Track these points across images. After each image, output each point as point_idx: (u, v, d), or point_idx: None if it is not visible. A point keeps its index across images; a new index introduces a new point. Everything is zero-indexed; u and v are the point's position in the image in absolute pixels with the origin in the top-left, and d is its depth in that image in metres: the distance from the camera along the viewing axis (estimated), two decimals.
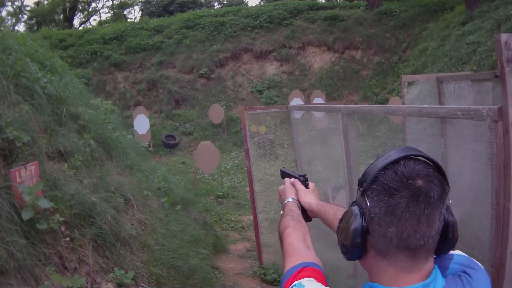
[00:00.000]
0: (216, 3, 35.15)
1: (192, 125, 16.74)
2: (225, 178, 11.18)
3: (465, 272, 1.03)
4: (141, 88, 17.89)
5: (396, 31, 18.70)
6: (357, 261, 1.10)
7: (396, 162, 0.99)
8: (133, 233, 4.03)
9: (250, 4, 35.37)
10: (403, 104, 6.00)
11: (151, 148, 12.62)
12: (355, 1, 21.40)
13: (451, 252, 1.07)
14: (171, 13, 26.49)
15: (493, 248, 2.28)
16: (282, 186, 1.75)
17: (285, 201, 1.65)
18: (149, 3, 32.69)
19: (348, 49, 18.87)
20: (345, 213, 1.09)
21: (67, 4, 31.55)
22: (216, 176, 11.24)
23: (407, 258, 0.97)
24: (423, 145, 4.45)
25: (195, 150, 10.63)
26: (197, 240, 5.33)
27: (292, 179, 1.73)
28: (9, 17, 30.07)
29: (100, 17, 37.34)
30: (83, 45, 18.79)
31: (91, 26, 30.55)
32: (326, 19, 19.70)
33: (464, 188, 4.01)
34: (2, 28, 5.28)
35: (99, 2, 36.50)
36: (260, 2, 33.09)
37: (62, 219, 3.11)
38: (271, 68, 18.90)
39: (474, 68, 11.29)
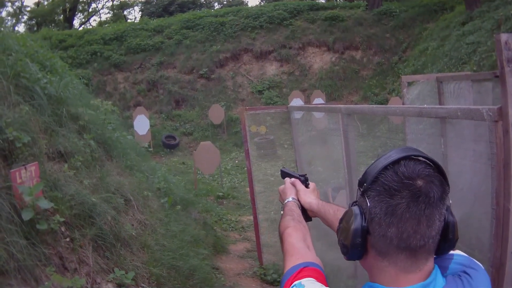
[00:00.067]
0: (216, 4, 35.18)
1: (192, 125, 16.75)
2: (225, 179, 11.18)
3: (465, 272, 1.03)
4: (141, 88, 17.89)
5: (396, 31, 18.70)
6: (357, 261, 1.10)
7: (396, 162, 0.99)
8: (133, 233, 4.03)
9: (250, 5, 35.43)
10: (403, 104, 6.00)
11: (151, 149, 12.63)
12: (355, 2, 21.40)
13: (451, 252, 1.07)
14: (171, 14, 26.50)
15: (493, 248, 2.28)
16: (282, 186, 1.75)
17: (285, 201, 1.65)
18: (149, 4, 32.70)
19: (348, 49, 18.87)
20: (345, 213, 1.09)
21: (67, 5, 31.55)
22: (216, 176, 11.24)
23: (407, 258, 0.97)
24: (423, 145, 4.45)
25: (195, 150, 10.64)
26: (197, 240, 5.32)
27: (293, 179, 1.73)
28: (9, 18, 30.11)
29: (100, 17, 37.38)
30: (83, 45, 18.79)
31: (91, 27, 30.56)
32: (326, 19, 19.70)
33: (464, 188, 4.01)
34: (2, 29, 5.28)
35: (99, 3, 36.55)
36: (260, 3, 33.10)
37: (62, 219, 3.11)
38: (271, 69, 18.90)
39: (474, 68, 11.29)
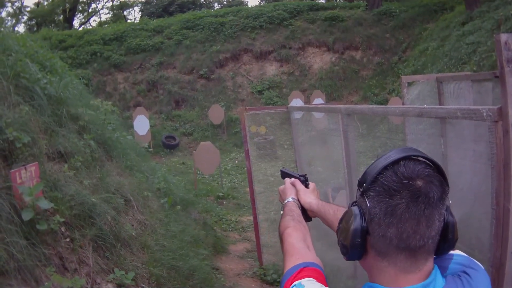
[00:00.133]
0: (216, 4, 35.20)
1: (192, 125, 16.75)
2: (225, 179, 11.18)
3: (465, 272, 1.03)
4: (141, 88, 17.89)
5: (396, 31, 18.71)
6: (357, 262, 1.10)
7: (396, 162, 0.99)
8: (133, 233, 4.03)
9: (250, 5, 35.43)
10: (403, 104, 6.00)
11: (151, 149, 12.63)
12: (355, 2, 21.41)
13: (451, 252, 1.07)
14: (171, 14, 26.51)
15: (493, 248, 2.28)
16: (282, 186, 1.75)
17: (285, 201, 1.65)
18: (149, 4, 32.71)
19: (348, 49, 18.87)
20: (345, 214, 1.09)
21: (67, 5, 31.56)
22: (216, 176, 11.24)
23: (406, 258, 0.97)
24: (423, 146, 4.45)
25: (195, 150, 10.64)
26: (197, 240, 5.32)
27: (292, 179, 1.73)
28: (9, 18, 30.11)
29: (100, 18, 37.38)
30: (83, 46, 18.79)
31: (91, 27, 30.57)
32: (326, 19, 19.70)
33: (464, 188, 4.01)
34: (2, 29, 5.28)
35: (99, 3, 36.56)
36: (260, 3, 33.12)
37: (62, 219, 3.11)
38: (271, 69, 18.90)
39: (474, 68, 11.30)
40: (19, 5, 31.33)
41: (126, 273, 3.43)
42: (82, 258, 3.21)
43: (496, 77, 3.65)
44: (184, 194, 6.74)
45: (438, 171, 0.99)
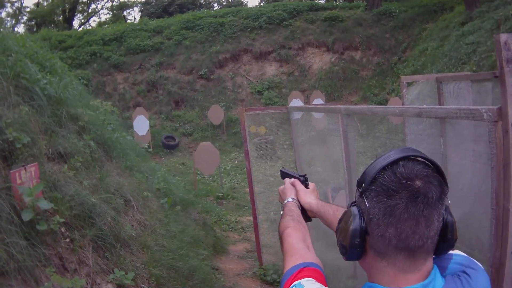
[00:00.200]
0: (215, 4, 35.21)
1: (191, 126, 16.75)
2: (224, 179, 11.18)
3: (464, 272, 1.03)
4: (141, 89, 17.89)
5: (395, 31, 18.72)
6: (357, 262, 1.10)
7: (395, 163, 0.99)
8: (133, 234, 4.03)
9: (249, 5, 35.44)
10: (402, 104, 6.00)
11: (151, 149, 12.61)
12: (354, 2, 21.41)
13: (451, 252, 1.07)
14: (170, 14, 26.52)
15: (493, 248, 2.28)
16: (282, 186, 1.75)
17: (285, 201, 1.65)
18: (148, 4, 32.73)
19: (347, 49, 18.88)
20: (344, 214, 1.09)
21: (67, 5, 31.56)
22: (215, 177, 11.24)
23: (406, 258, 0.97)
24: (423, 146, 4.46)
25: (194, 151, 10.63)
26: (197, 241, 5.33)
27: (292, 179, 1.73)
28: (8, 18, 30.09)
29: (99, 18, 37.41)
30: (82, 46, 18.79)
31: (90, 27, 30.60)
32: (325, 19, 19.71)
33: (464, 188, 4.01)
34: (1, 30, 5.28)
35: (98, 3, 36.55)
36: (259, 3, 33.13)
37: (62, 220, 3.11)
38: (271, 69, 18.91)
39: (474, 69, 11.30)
40: (19, 6, 31.36)
41: (126, 274, 3.43)
42: (82, 258, 3.21)
43: (496, 77, 3.65)
44: (184, 194, 6.74)
45: (437, 171, 0.99)
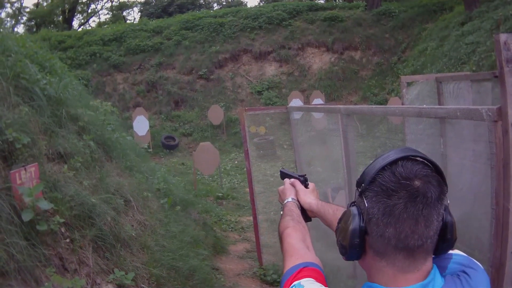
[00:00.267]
0: (215, 4, 35.22)
1: (191, 126, 16.74)
2: (224, 179, 11.18)
3: (464, 272, 1.03)
4: (141, 89, 17.89)
5: (395, 31, 18.72)
6: (357, 262, 1.10)
7: (394, 163, 0.99)
8: (133, 234, 4.03)
9: (249, 5, 35.46)
10: (402, 104, 6.00)
11: (151, 149, 12.61)
12: (354, 2, 21.41)
13: (450, 251, 1.07)
14: (170, 14, 26.52)
15: (493, 248, 2.28)
16: (281, 187, 1.75)
17: (285, 202, 1.65)
18: (148, 5, 32.74)
19: (347, 49, 18.88)
20: (344, 214, 1.10)
21: (66, 6, 31.56)
22: (215, 177, 11.24)
23: (405, 258, 0.97)
24: (423, 146, 4.46)
25: (194, 151, 10.63)
26: (197, 241, 5.33)
27: (292, 180, 1.73)
28: (8, 19, 30.11)
29: (99, 18, 37.41)
30: (82, 46, 18.80)
31: (90, 28, 30.59)
32: (325, 20, 19.71)
33: (464, 188, 4.01)
34: (1, 30, 5.28)
35: (98, 4, 36.56)
36: (259, 3, 33.13)
37: (62, 220, 3.11)
38: (271, 69, 18.91)
39: (473, 68, 11.30)
40: (19, 6, 31.36)
41: (126, 274, 3.43)
42: (82, 258, 3.21)
43: (496, 77, 3.65)
44: (184, 194, 6.74)
45: (436, 171, 0.99)
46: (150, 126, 14.62)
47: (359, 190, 1.04)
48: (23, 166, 2.97)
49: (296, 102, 14.19)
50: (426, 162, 1.00)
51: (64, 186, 3.44)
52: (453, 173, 3.99)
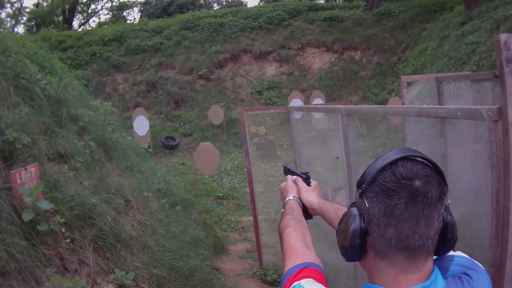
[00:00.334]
0: (215, 4, 35.22)
1: (191, 126, 16.74)
2: (225, 179, 11.18)
3: (465, 273, 1.02)
4: (141, 89, 17.89)
5: (395, 31, 18.72)
6: (357, 262, 1.10)
7: (394, 163, 0.99)
8: (134, 234, 4.03)
9: (249, 5, 35.45)
10: (402, 104, 6.00)
11: (151, 150, 12.62)
12: (354, 2, 21.41)
13: (452, 253, 1.07)
14: (170, 14, 26.52)
15: (493, 248, 2.28)
16: (284, 183, 1.74)
17: (286, 199, 1.64)
18: (148, 5, 32.74)
19: (347, 49, 18.88)
20: (344, 215, 1.09)
21: (66, 6, 31.56)
22: (216, 177, 11.24)
23: (406, 258, 0.97)
24: (423, 146, 4.46)
25: (195, 151, 10.64)
26: (197, 241, 5.33)
27: (294, 177, 1.72)
28: (8, 19, 30.11)
29: (99, 18, 37.41)
30: (82, 46, 18.80)
31: (90, 28, 30.60)
32: (325, 19, 19.71)
33: (464, 188, 4.01)
34: (1, 30, 5.28)
35: (98, 4, 36.56)
36: (259, 3, 33.13)
37: (62, 220, 3.11)
38: (271, 69, 18.90)
39: (474, 68, 11.30)
40: (19, 6, 31.37)
41: (127, 274, 3.43)
42: (82, 258, 3.21)
43: (496, 76, 3.65)
44: (184, 194, 6.75)
45: (436, 171, 0.99)
46: (150, 126, 14.62)
47: (360, 190, 1.03)
48: (24, 166, 2.97)
49: (296, 102, 14.18)
50: (426, 162, 1.00)
51: (65, 186, 3.44)
52: (454, 173, 3.99)
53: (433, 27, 17.03)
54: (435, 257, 1.03)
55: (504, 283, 2.21)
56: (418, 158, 1.00)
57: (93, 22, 37.37)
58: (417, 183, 0.95)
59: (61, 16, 32.48)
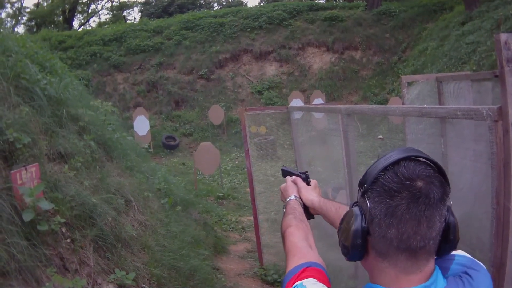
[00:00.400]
0: (215, 4, 35.22)
1: (192, 126, 16.74)
2: (225, 179, 11.18)
3: (466, 273, 1.02)
4: (141, 89, 17.89)
5: (395, 31, 18.71)
6: (358, 262, 1.09)
7: (396, 163, 0.98)
8: (134, 234, 4.03)
9: (249, 5, 35.44)
10: (403, 104, 6.00)
11: (151, 150, 12.62)
12: (354, 2, 21.41)
13: (453, 252, 1.06)
14: (170, 14, 26.51)
15: (494, 247, 2.29)
16: (283, 185, 1.73)
17: (287, 199, 1.64)
18: (148, 5, 32.75)
19: (347, 49, 18.87)
20: (346, 214, 1.09)
21: (67, 6, 31.55)
22: (216, 177, 11.24)
23: (407, 259, 0.96)
24: (423, 145, 4.46)
25: (195, 151, 10.64)
26: (197, 241, 5.33)
27: (294, 177, 1.72)
28: (8, 19, 30.11)
29: (99, 18, 37.41)
30: (82, 46, 18.79)
31: (90, 28, 30.60)
32: (325, 19, 19.70)
33: (465, 188, 4.01)
34: (2, 30, 5.28)
35: (98, 4, 36.56)
36: (259, 3, 33.13)
37: (63, 220, 3.11)
38: (271, 69, 18.90)
39: (474, 68, 11.30)
40: (19, 6, 31.36)
41: (127, 274, 3.43)
42: (82, 258, 3.21)
43: (496, 76, 3.65)
44: (185, 194, 6.74)
45: (439, 171, 0.99)
46: (150, 126, 14.62)
47: (362, 190, 1.03)
48: (24, 166, 2.97)
49: (296, 102, 14.18)
50: (428, 162, 0.99)
51: (65, 186, 3.44)
52: (454, 172, 3.99)
53: (433, 27, 17.02)
54: (435, 257, 1.03)
55: (504, 282, 2.21)
56: (421, 158, 1.00)
57: (93, 22, 37.42)
58: (419, 183, 0.95)
59: (61, 16, 32.49)
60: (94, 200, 3.62)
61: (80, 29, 29.55)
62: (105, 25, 30.61)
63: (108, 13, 37.54)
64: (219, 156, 9.89)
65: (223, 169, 11.53)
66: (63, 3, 30.81)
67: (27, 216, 2.74)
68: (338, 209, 1.49)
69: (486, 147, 2.38)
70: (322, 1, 26.53)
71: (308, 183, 1.68)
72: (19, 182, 2.85)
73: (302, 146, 6.07)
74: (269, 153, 12.90)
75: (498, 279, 2.24)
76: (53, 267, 2.84)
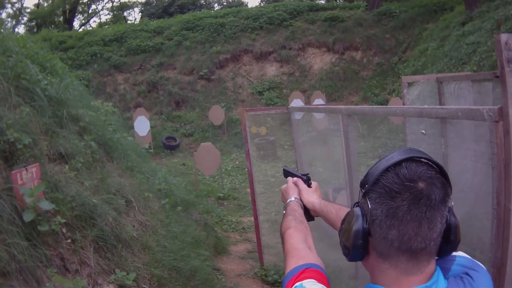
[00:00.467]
0: (216, 5, 35.23)
1: (192, 126, 16.74)
2: (225, 180, 11.18)
3: (467, 273, 1.02)
4: (141, 89, 17.89)
5: (396, 31, 18.71)
6: (359, 262, 1.09)
7: (398, 164, 0.98)
8: (134, 234, 4.03)
9: (250, 6, 35.48)
10: (403, 104, 6.00)
11: (152, 150, 12.62)
12: (355, 2, 21.41)
13: (454, 253, 1.07)
14: (171, 15, 26.53)
15: (494, 248, 2.28)
16: (284, 185, 1.73)
17: (288, 201, 1.64)
18: (149, 5, 32.77)
19: (348, 50, 18.87)
20: (347, 215, 1.09)
21: (67, 6, 31.57)
22: (216, 177, 11.24)
23: (408, 260, 0.96)
24: (424, 146, 4.46)
25: (195, 151, 10.63)
26: (198, 241, 5.33)
27: (295, 178, 1.72)
28: (9, 19, 30.14)
29: (100, 19, 37.42)
30: (83, 47, 18.80)
31: (91, 28, 30.62)
32: (326, 20, 19.70)
33: (465, 188, 4.01)
34: (2, 30, 5.29)
35: (99, 4, 36.57)
36: (260, 4, 33.14)
37: (63, 221, 3.12)
38: (271, 69, 18.90)
39: (474, 69, 11.30)
40: (19, 6, 31.38)
41: (127, 274, 3.43)
42: (83, 259, 3.21)
43: (497, 77, 3.65)
44: (185, 195, 6.75)
45: (440, 172, 0.99)
46: (151, 127, 14.62)
47: (363, 191, 1.03)
48: (24, 166, 2.97)
49: (297, 102, 14.17)
50: (430, 163, 0.99)
51: (65, 187, 3.44)
52: (454, 173, 3.99)
53: (433, 27, 17.02)
54: (436, 257, 1.02)
55: (505, 283, 2.21)
56: (422, 159, 0.99)
57: (93, 23, 37.43)
58: (421, 185, 0.94)
59: (62, 17, 32.50)
60: (94, 200, 3.62)
61: (81, 30, 29.55)
62: (105, 25, 30.64)
63: (108, 14, 37.63)
64: (219, 156, 9.88)
65: (223, 170, 11.53)
66: (64, 3, 30.82)
67: (28, 217, 2.74)
68: (338, 211, 1.49)
69: (487, 148, 2.38)
70: (323, 2, 26.55)
71: (309, 185, 1.68)
72: (19, 182, 2.85)
73: (302, 147, 6.06)
74: (269, 154, 12.90)
75: (498, 280, 2.24)
76: (54, 267, 2.84)
